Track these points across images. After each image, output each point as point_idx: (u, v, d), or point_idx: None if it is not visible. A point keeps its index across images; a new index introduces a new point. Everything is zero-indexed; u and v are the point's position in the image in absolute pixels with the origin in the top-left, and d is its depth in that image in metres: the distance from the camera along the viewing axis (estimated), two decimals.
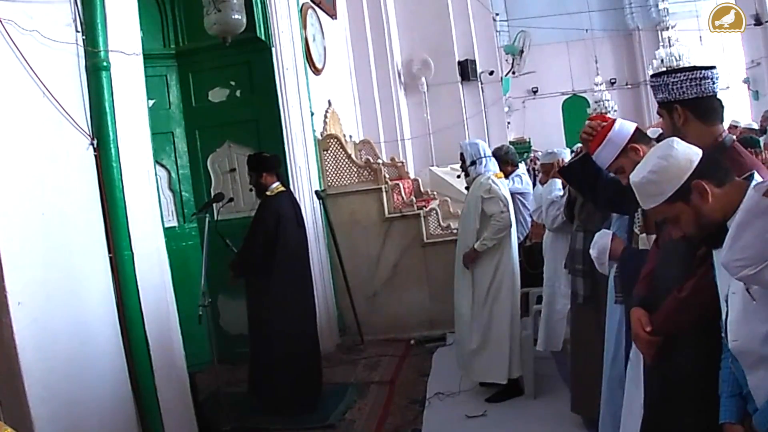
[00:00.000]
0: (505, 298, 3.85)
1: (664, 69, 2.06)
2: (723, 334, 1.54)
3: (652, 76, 2.05)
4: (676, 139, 1.62)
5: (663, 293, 1.84)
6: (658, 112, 2.06)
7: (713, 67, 1.94)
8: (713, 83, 1.91)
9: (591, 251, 2.43)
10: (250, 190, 4.44)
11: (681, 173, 1.53)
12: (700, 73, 1.89)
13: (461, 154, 4.05)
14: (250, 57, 5.23)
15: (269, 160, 4.17)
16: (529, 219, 4.78)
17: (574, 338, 3.35)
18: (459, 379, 4.12)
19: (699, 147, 1.89)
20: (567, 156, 3.68)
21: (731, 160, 1.80)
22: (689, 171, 1.52)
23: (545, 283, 3.77)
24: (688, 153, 1.55)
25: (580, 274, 3.08)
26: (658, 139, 2.12)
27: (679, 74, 1.90)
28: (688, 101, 1.88)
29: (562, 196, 3.54)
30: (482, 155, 3.95)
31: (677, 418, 1.77)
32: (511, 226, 3.84)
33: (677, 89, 1.89)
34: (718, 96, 1.94)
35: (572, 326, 3.38)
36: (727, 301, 1.49)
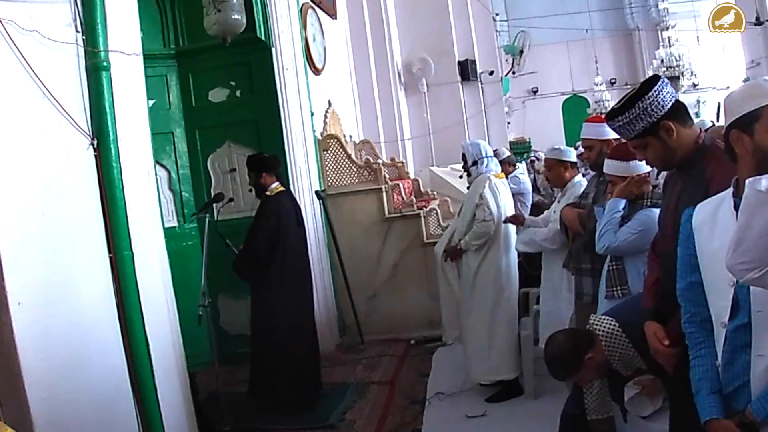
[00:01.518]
0: (495, 298, 3.88)
1: (616, 106, 1.90)
2: (722, 321, 1.51)
3: (617, 113, 1.89)
4: None
5: (673, 301, 1.82)
6: (636, 146, 1.96)
7: (659, 77, 1.94)
8: (671, 86, 1.91)
9: None
10: (250, 190, 4.45)
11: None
12: (662, 83, 1.87)
13: (463, 155, 4.05)
14: (250, 57, 5.24)
15: (269, 160, 4.17)
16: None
17: None
18: (459, 379, 4.12)
19: (684, 153, 1.88)
20: (573, 155, 3.62)
21: (716, 160, 1.78)
22: None
23: (543, 285, 3.75)
24: None
25: (588, 274, 3.07)
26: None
27: (649, 93, 1.85)
28: (669, 111, 1.86)
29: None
30: (484, 155, 3.96)
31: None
32: (490, 234, 3.83)
33: (656, 106, 1.85)
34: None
35: (578, 326, 3.37)
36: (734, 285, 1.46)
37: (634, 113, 1.86)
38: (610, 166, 2.75)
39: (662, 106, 1.85)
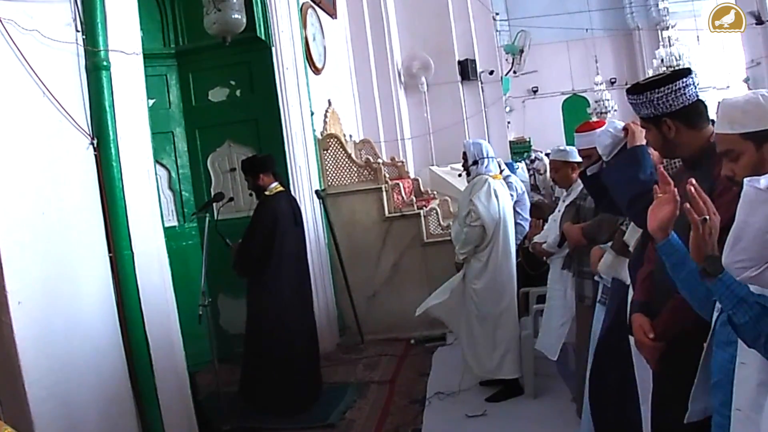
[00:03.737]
0: (493, 300, 3.89)
1: (642, 82, 1.95)
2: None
3: (630, 92, 1.95)
4: None
5: (663, 296, 1.83)
6: (643, 126, 2.00)
7: (691, 72, 1.92)
8: (695, 88, 1.89)
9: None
10: (250, 194, 4.44)
11: None
12: (682, 82, 1.86)
13: (464, 153, 4.05)
14: (250, 57, 5.23)
15: (262, 160, 4.15)
16: (527, 220, 4.75)
17: (581, 339, 3.34)
18: (459, 378, 4.13)
19: (692, 151, 1.89)
20: (577, 155, 3.59)
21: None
22: None
23: (550, 285, 3.74)
24: None
25: (588, 277, 3.06)
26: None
27: (662, 88, 1.85)
28: (675, 113, 1.85)
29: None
30: (484, 156, 3.96)
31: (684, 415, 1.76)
32: (477, 241, 3.84)
33: (663, 103, 1.85)
34: (700, 98, 1.92)
35: (579, 327, 3.36)
36: None
37: (641, 100, 1.89)
38: None
39: (669, 105, 1.85)
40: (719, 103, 1.58)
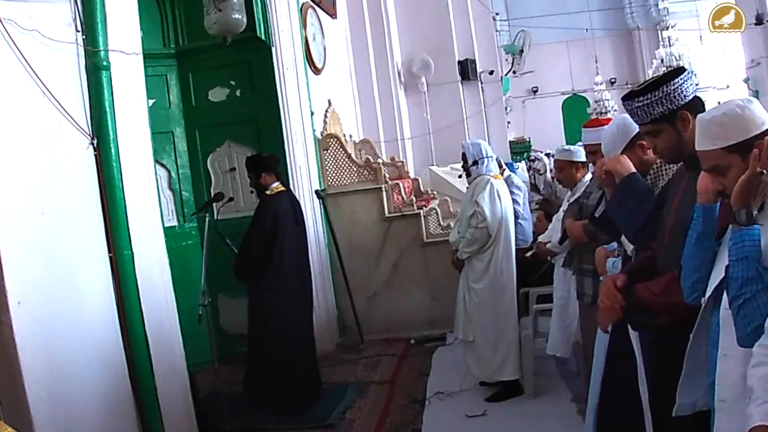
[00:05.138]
0: (493, 300, 3.89)
1: (638, 88, 1.93)
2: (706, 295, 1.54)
3: (631, 96, 1.90)
4: (755, 99, 1.56)
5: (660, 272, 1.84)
6: (649, 132, 1.95)
7: (684, 68, 1.95)
8: (694, 80, 1.93)
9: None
10: (251, 192, 4.45)
11: (751, 127, 1.47)
12: (688, 73, 1.88)
13: (463, 154, 4.05)
14: (250, 56, 5.23)
15: (266, 160, 4.16)
16: (526, 219, 4.73)
17: (586, 337, 3.34)
18: (459, 378, 4.13)
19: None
20: (583, 155, 3.56)
21: None
22: (759, 130, 1.47)
23: (555, 284, 3.74)
24: (763, 114, 1.50)
25: (589, 274, 3.06)
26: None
27: (676, 79, 1.86)
28: (689, 103, 1.87)
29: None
30: (484, 155, 3.95)
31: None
32: (483, 241, 3.84)
33: (679, 94, 1.85)
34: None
35: (583, 326, 3.36)
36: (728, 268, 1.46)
37: (656, 96, 1.86)
38: None
39: (684, 96, 1.86)
40: (697, 120, 1.58)
